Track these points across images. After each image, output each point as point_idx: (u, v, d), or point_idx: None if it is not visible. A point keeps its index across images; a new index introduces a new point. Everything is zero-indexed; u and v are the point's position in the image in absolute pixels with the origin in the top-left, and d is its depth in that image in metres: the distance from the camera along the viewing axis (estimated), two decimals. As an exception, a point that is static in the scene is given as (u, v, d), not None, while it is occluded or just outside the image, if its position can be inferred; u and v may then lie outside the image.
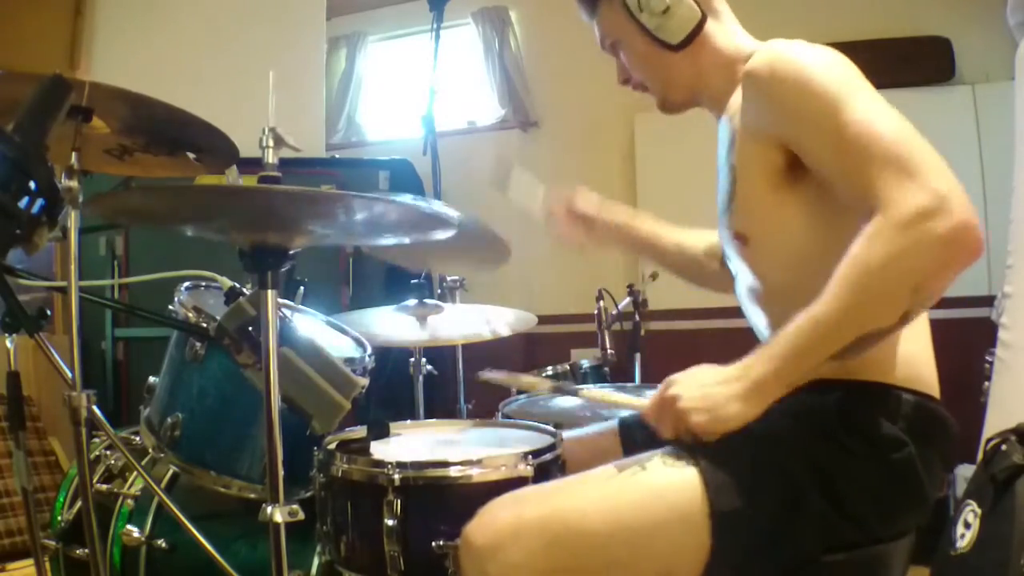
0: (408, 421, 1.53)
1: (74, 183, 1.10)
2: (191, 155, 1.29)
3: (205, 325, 1.36)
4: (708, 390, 0.96)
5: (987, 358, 1.97)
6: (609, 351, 2.62)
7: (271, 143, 1.09)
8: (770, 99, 1.03)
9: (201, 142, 1.27)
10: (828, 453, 1.00)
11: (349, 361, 1.43)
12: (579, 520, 0.97)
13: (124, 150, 1.27)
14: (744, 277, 1.18)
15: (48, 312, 1.17)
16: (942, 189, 0.87)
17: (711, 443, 1.02)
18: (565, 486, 1.05)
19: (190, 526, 1.27)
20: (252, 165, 1.11)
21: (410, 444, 1.35)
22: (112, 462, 1.63)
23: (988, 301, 2.14)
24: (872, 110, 0.95)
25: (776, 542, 0.98)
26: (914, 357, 1.06)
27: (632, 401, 1.14)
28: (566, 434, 1.33)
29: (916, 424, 1.02)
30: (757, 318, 1.19)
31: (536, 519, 0.96)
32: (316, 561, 1.42)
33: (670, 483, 0.98)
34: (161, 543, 1.48)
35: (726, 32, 1.17)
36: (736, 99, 1.10)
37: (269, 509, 1.01)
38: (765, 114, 1.04)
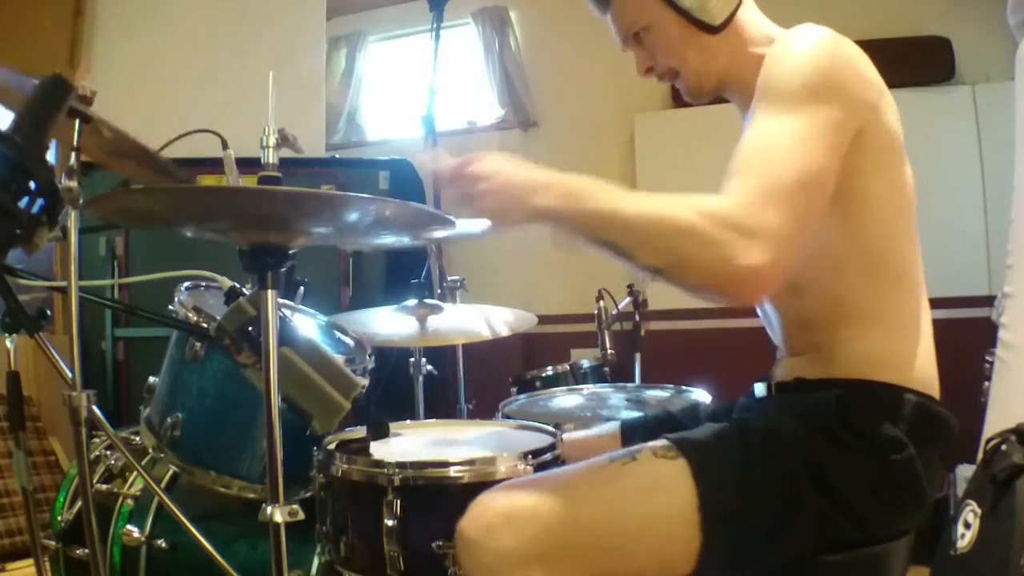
0: (408, 421, 1.53)
1: (74, 183, 1.10)
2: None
3: (205, 325, 1.36)
4: (509, 187, 0.99)
5: (987, 358, 1.97)
6: (609, 351, 2.61)
7: (272, 143, 1.09)
8: (759, 83, 1.03)
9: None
10: (826, 451, 1.00)
11: (349, 361, 1.43)
12: (571, 508, 0.97)
13: (113, 150, 1.26)
14: None
15: (48, 312, 1.17)
16: (776, 232, 0.87)
17: (703, 439, 1.03)
18: (557, 475, 1.06)
19: (190, 526, 1.27)
20: (252, 165, 1.11)
21: (410, 444, 1.35)
22: (112, 462, 1.63)
23: (988, 301, 2.14)
24: (801, 134, 0.94)
25: (770, 538, 0.98)
26: (916, 357, 1.06)
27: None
28: (567, 436, 1.33)
29: (917, 425, 1.02)
30: (771, 314, 1.19)
31: (528, 507, 0.96)
32: (316, 561, 1.42)
33: (661, 474, 0.98)
34: (161, 543, 1.48)
35: (755, 18, 1.17)
36: None
37: (269, 509, 1.01)
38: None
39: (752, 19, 1.17)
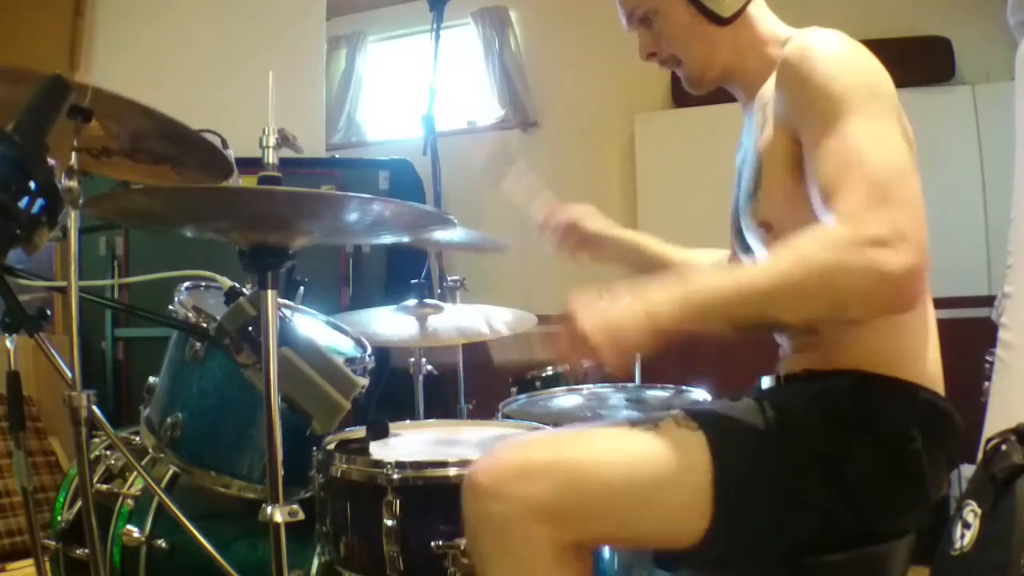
0: (408, 421, 1.53)
1: (74, 183, 1.10)
2: (172, 170, 1.28)
3: (205, 325, 1.36)
4: (611, 323, 0.94)
5: (987, 358, 1.97)
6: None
7: (272, 143, 1.09)
8: (794, 88, 1.02)
9: (195, 157, 1.26)
10: (838, 439, 0.99)
11: (349, 361, 1.43)
12: (587, 467, 0.95)
13: (103, 151, 1.26)
14: None
15: (48, 312, 1.17)
16: (904, 229, 0.86)
17: (723, 414, 1.02)
18: (575, 435, 1.03)
19: (190, 526, 1.27)
20: (252, 165, 1.11)
21: (409, 444, 1.35)
22: (112, 462, 1.63)
23: (988, 301, 2.13)
24: (874, 131, 0.94)
25: (775, 523, 0.97)
26: (924, 354, 1.06)
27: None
28: None
29: (926, 421, 1.01)
30: None
31: (544, 462, 0.95)
32: (316, 561, 1.42)
33: (681, 443, 0.97)
34: (161, 543, 1.48)
35: (765, 14, 1.17)
36: (770, 85, 1.09)
37: (269, 509, 1.01)
38: (788, 102, 1.04)
39: (762, 16, 1.16)
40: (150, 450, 1.45)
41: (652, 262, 1.44)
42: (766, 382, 1.18)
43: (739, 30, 1.14)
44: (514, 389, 2.42)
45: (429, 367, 2.06)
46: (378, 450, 1.21)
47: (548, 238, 1.46)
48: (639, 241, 1.46)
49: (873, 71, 1.01)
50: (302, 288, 1.58)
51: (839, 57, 1.01)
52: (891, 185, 0.89)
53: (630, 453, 0.97)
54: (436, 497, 1.12)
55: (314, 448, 1.26)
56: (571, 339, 0.95)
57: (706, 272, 0.98)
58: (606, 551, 1.53)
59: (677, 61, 1.19)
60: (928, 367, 1.06)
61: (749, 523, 0.97)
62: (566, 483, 0.94)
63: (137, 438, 1.54)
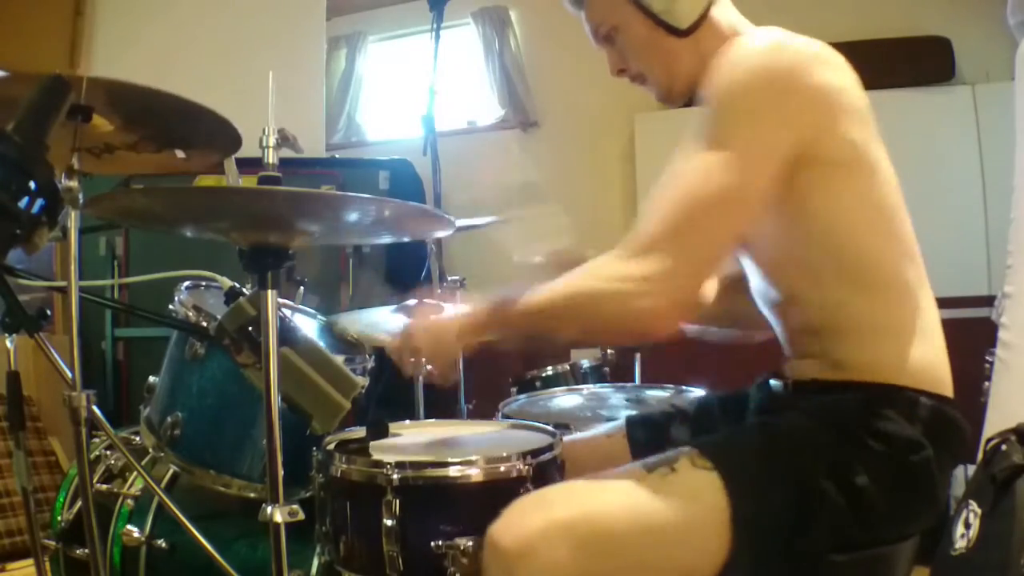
0: (408, 421, 1.53)
1: (74, 183, 1.10)
2: (180, 153, 1.28)
3: (205, 325, 1.36)
4: (431, 329, 1.11)
5: (987, 358, 1.97)
6: (609, 351, 2.61)
7: (272, 143, 1.09)
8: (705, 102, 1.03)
9: (200, 135, 1.25)
10: (847, 453, 0.99)
11: (349, 361, 1.43)
12: (608, 523, 0.96)
13: (105, 148, 1.26)
14: (754, 281, 1.18)
15: (48, 312, 1.17)
16: (671, 270, 0.91)
17: (735, 448, 1.03)
18: (594, 487, 1.03)
19: (190, 526, 1.27)
20: (252, 165, 1.11)
21: (409, 444, 1.35)
22: (112, 462, 1.63)
23: (988, 301, 2.14)
24: (708, 162, 0.95)
25: (791, 541, 0.98)
26: (931, 359, 1.06)
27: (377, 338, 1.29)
28: (573, 437, 1.32)
29: (933, 427, 1.01)
30: (772, 321, 1.19)
31: (565, 521, 0.95)
32: (316, 561, 1.42)
33: (697, 487, 0.97)
34: (161, 543, 1.48)
35: (728, 18, 1.14)
36: None
37: (269, 509, 1.01)
38: None
39: (726, 20, 1.14)
40: (150, 450, 1.44)
41: None
42: (775, 386, 1.18)
43: (701, 39, 1.12)
44: (514, 389, 2.42)
45: (429, 367, 2.05)
46: (378, 450, 1.21)
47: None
48: None
49: (774, 80, 0.98)
50: (302, 288, 1.58)
51: (737, 69, 1.00)
52: (681, 224, 0.94)
53: (649, 505, 0.97)
54: (436, 497, 1.12)
55: (314, 448, 1.26)
56: (402, 339, 1.13)
57: (517, 289, 1.05)
58: None
59: (644, 77, 1.18)
60: (934, 370, 1.06)
61: (763, 548, 0.97)
62: (589, 542, 0.94)
63: (137, 438, 1.54)
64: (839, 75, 1.04)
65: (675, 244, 0.93)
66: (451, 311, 1.11)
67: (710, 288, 0.99)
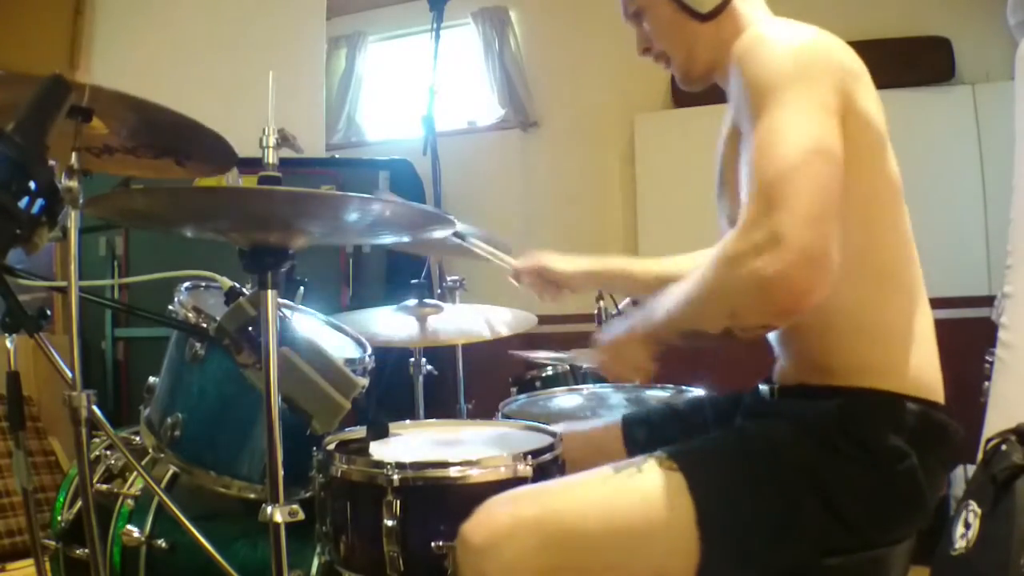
0: (408, 421, 1.53)
1: (74, 183, 1.10)
2: (176, 163, 1.29)
3: (205, 325, 1.36)
4: (620, 344, 1.10)
5: (987, 358, 1.97)
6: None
7: (272, 143, 1.09)
8: (737, 84, 1.02)
9: (198, 148, 1.26)
10: (827, 462, 0.99)
11: (349, 361, 1.43)
12: (575, 521, 0.97)
13: (105, 149, 1.26)
14: None
15: (48, 312, 1.17)
16: (782, 230, 0.86)
17: (705, 452, 1.03)
18: (562, 487, 1.05)
19: (190, 526, 1.27)
20: (252, 165, 1.11)
21: (409, 444, 1.35)
22: (112, 462, 1.63)
23: (988, 301, 2.14)
24: (781, 123, 0.93)
25: (769, 548, 0.97)
26: (919, 363, 1.05)
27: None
28: (568, 428, 1.32)
29: (919, 434, 1.00)
30: None
31: (533, 518, 0.96)
32: (316, 561, 1.42)
33: (662, 487, 0.98)
34: (161, 543, 1.48)
35: (750, 11, 1.15)
36: None
37: (269, 509, 1.01)
38: (733, 98, 1.05)
39: (748, 9, 1.15)
40: (150, 450, 1.44)
41: (646, 283, 1.45)
42: (763, 390, 1.18)
43: (722, 25, 1.13)
44: (514, 389, 2.42)
45: (429, 367, 2.06)
46: (378, 450, 1.21)
47: (526, 288, 1.56)
48: (625, 267, 1.50)
49: (806, 51, 0.99)
50: (302, 288, 1.58)
51: (773, 45, 1.00)
52: (776, 185, 0.89)
53: (614, 503, 0.98)
54: (436, 497, 1.12)
55: (314, 448, 1.26)
56: (603, 365, 1.14)
57: (661, 294, 1.04)
58: None
59: (667, 58, 1.20)
60: (923, 375, 1.05)
61: (740, 556, 0.97)
62: (556, 539, 0.95)
63: (137, 438, 1.54)
64: (858, 64, 1.05)
65: (784, 200, 0.88)
66: (624, 325, 1.10)
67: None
